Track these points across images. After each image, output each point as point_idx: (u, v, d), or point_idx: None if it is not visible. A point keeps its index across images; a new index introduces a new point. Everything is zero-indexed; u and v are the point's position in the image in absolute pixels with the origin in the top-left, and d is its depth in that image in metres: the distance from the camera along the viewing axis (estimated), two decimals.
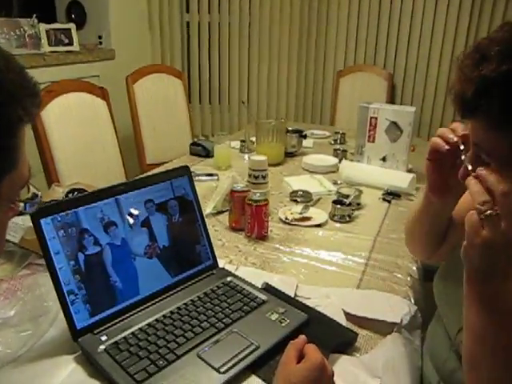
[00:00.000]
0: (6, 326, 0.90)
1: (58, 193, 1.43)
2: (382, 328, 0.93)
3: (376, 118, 1.82)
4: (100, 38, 3.17)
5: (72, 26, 2.88)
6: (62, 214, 0.85)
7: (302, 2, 3.36)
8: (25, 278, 1.02)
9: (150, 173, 1.82)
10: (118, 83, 2.51)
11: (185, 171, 1.07)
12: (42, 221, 0.82)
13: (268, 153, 1.73)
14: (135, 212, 0.95)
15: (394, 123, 1.79)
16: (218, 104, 3.66)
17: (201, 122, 3.67)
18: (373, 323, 0.94)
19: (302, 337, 0.73)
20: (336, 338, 0.89)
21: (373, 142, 1.85)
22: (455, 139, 0.78)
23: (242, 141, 2.20)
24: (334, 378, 0.69)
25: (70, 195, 1.38)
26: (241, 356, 0.81)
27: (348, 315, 0.97)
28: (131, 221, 0.94)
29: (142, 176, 1.00)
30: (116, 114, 2.20)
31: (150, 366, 0.78)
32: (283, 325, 0.90)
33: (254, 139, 2.09)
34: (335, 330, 0.91)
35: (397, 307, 0.98)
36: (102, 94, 2.06)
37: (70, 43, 2.88)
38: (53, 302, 0.95)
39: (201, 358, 0.81)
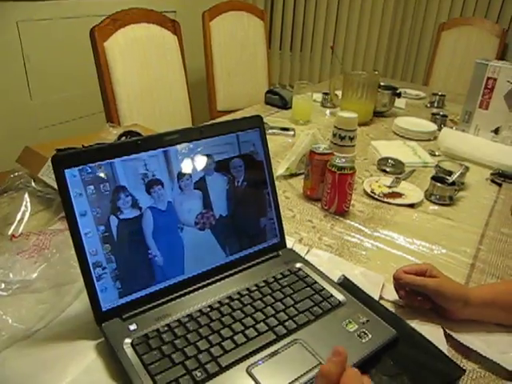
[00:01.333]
0: (25, 291, 0.75)
1: (111, 134, 1.26)
2: (499, 367, 0.68)
3: (495, 80, 1.47)
4: None
5: None
6: (94, 164, 0.66)
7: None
8: (56, 234, 0.86)
9: (215, 121, 1.63)
10: (195, 19, 2.28)
11: (257, 123, 0.84)
12: (67, 172, 0.64)
13: (355, 109, 1.45)
14: (188, 169, 0.75)
15: None
16: (300, 51, 3.35)
17: (280, 69, 3.39)
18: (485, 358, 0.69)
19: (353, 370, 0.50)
20: (433, 370, 0.65)
21: (486, 108, 1.51)
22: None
23: (325, 93, 1.93)
24: None
25: (123, 138, 1.21)
26: (303, 380, 0.60)
27: (449, 337, 0.72)
28: (182, 180, 0.74)
29: (202, 124, 0.78)
30: (188, 53, 1.99)
31: (184, 378, 0.59)
32: (363, 341, 0.67)
33: (339, 93, 1.81)
34: (433, 358, 0.67)
35: None
36: (174, 27, 1.84)
37: None
38: None
39: (251, 375, 0.60)
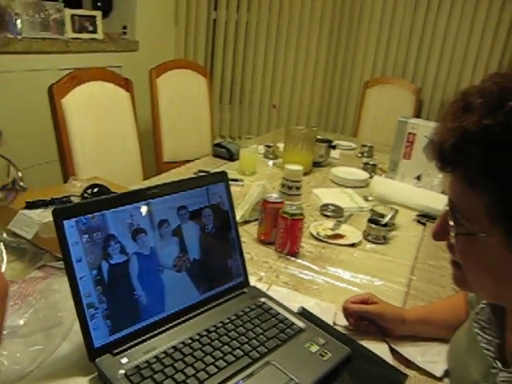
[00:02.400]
0: (14, 336, 0.81)
1: (76, 187, 1.34)
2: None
3: (414, 134, 1.72)
4: (124, 28, 3.08)
5: (98, 13, 2.79)
6: (88, 216, 0.75)
7: (333, 7, 3.28)
8: (38, 281, 0.92)
9: (171, 173, 1.74)
10: (140, 75, 2.42)
11: (222, 177, 0.97)
12: (66, 223, 0.73)
13: (296, 161, 1.63)
14: (167, 219, 0.86)
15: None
16: (239, 104, 3.57)
17: (220, 122, 3.57)
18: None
19: None
20: (383, 378, 0.78)
21: (409, 158, 1.75)
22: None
23: (268, 146, 2.10)
24: None
25: (89, 191, 1.29)
26: None
27: (393, 351, 0.86)
28: (162, 228, 0.85)
29: (177, 180, 0.90)
30: (136, 106, 2.11)
31: None
32: (324, 359, 0.80)
33: (280, 145, 2.00)
34: (381, 368, 0.81)
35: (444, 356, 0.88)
36: (127, 85, 1.96)
37: (94, 31, 2.79)
38: (67, 312, 0.85)
39: None
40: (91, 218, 0.76)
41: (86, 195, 1.27)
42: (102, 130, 1.86)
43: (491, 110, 0.52)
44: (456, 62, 3.13)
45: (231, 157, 1.98)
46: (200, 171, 1.77)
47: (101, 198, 0.79)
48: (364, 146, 2.37)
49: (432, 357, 0.87)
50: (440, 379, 0.82)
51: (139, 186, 1.34)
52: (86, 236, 0.75)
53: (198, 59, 3.41)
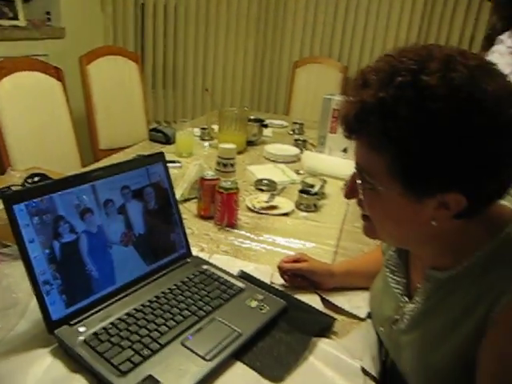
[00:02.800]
0: None
1: (15, 178, 1.36)
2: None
3: (339, 110, 1.85)
4: (48, 14, 3.00)
5: None
6: (37, 199, 0.81)
7: None
8: None
9: (112, 158, 1.78)
10: (69, 64, 2.40)
11: (160, 158, 1.04)
12: (16, 207, 0.78)
13: (230, 141, 1.72)
14: (112, 198, 0.92)
15: None
16: (172, 90, 3.59)
17: (155, 107, 3.58)
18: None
19: None
20: (315, 323, 0.90)
21: (334, 133, 1.89)
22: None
23: (203, 128, 2.18)
24: (317, 361, 0.71)
25: (30, 180, 1.32)
26: (225, 343, 0.81)
27: (324, 301, 0.99)
28: (107, 207, 0.91)
29: (118, 162, 0.96)
30: (70, 95, 2.11)
31: (135, 357, 0.76)
32: (263, 311, 0.91)
33: (215, 127, 2.07)
34: (313, 315, 0.93)
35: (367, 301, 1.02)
36: (57, 74, 1.96)
37: (15, 17, 2.70)
38: (22, 294, 0.91)
39: (185, 346, 0.80)
40: (40, 202, 0.81)
41: (27, 185, 1.30)
42: (35, 121, 1.85)
43: (384, 85, 0.63)
44: (378, 40, 3.31)
45: (168, 140, 2.04)
46: (138, 156, 1.82)
47: (48, 182, 0.84)
48: (295, 123, 2.50)
49: (357, 303, 1.00)
50: (364, 320, 0.96)
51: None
52: (37, 218, 0.80)
53: (127, 45, 3.39)
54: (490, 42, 1.52)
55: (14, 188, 1.29)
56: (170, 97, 3.59)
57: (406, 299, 0.82)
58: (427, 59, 0.62)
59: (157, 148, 2.00)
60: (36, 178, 1.31)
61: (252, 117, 2.18)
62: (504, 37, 1.47)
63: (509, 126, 0.61)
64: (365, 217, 0.77)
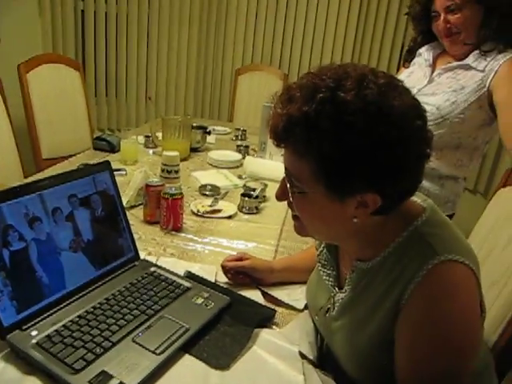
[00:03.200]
0: None
1: None
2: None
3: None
4: None
5: None
6: None
7: None
8: None
9: (56, 168, 1.78)
10: (6, 71, 2.36)
11: (106, 166, 1.09)
12: None
13: (174, 148, 1.78)
14: (59, 207, 0.96)
15: None
16: (115, 98, 3.57)
17: (98, 115, 3.55)
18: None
19: None
20: (257, 315, 0.98)
21: None
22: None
23: (147, 136, 2.21)
24: (260, 349, 0.79)
25: None
26: (173, 338, 0.87)
27: (266, 295, 1.08)
28: (56, 215, 0.95)
29: (64, 171, 1.00)
30: (7, 104, 2.08)
31: (88, 355, 0.81)
32: (209, 307, 0.98)
33: (158, 134, 2.12)
34: (255, 308, 1.01)
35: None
36: None
37: None
38: None
39: (136, 342, 0.85)
40: None
41: None
42: None
43: (307, 101, 0.72)
44: (316, 49, 3.46)
45: (112, 149, 2.06)
46: (83, 165, 1.83)
47: None
48: (237, 129, 2.59)
49: (296, 296, 1.09)
50: (302, 310, 1.05)
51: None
52: None
53: (67, 52, 3.35)
54: (411, 54, 1.67)
55: None
56: (113, 105, 3.58)
57: (337, 289, 0.91)
58: (344, 77, 0.72)
59: (101, 156, 2.02)
60: None
61: (195, 124, 2.24)
62: (423, 50, 1.62)
63: (413, 136, 0.72)
64: (295, 217, 0.86)
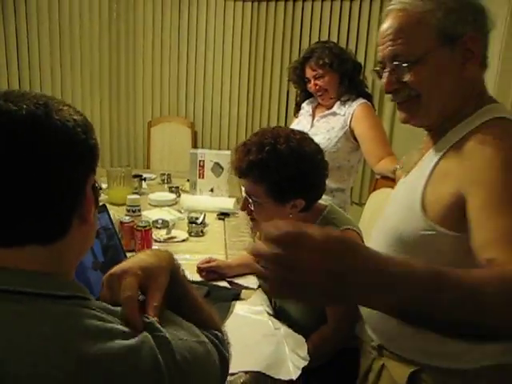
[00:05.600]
0: None
1: None
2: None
3: (203, 160, 2.45)
4: None
5: None
6: None
7: (110, 53, 3.81)
8: None
9: None
10: None
11: (104, 208, 1.50)
12: None
13: (120, 196, 2.20)
14: None
15: (217, 163, 2.45)
16: None
17: None
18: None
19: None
20: (229, 294, 1.45)
21: (203, 178, 2.47)
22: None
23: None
24: (238, 312, 1.26)
25: None
26: None
27: (230, 283, 1.55)
28: None
29: None
30: None
31: None
32: None
33: (103, 185, 2.50)
34: (227, 290, 1.49)
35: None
36: None
37: None
38: None
39: None
40: None
41: None
42: None
43: (259, 151, 1.25)
44: (216, 96, 3.98)
45: None
46: None
47: None
48: (163, 174, 3.02)
49: (251, 280, 1.57)
50: (256, 289, 1.53)
51: None
52: None
53: None
54: (298, 107, 2.31)
55: None
56: None
57: None
58: (277, 136, 1.27)
59: None
60: None
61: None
62: (304, 104, 2.27)
63: (308, 160, 1.27)
64: (252, 219, 1.36)
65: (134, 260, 0.74)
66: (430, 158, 0.96)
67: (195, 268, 1.59)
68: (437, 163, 0.93)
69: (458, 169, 0.87)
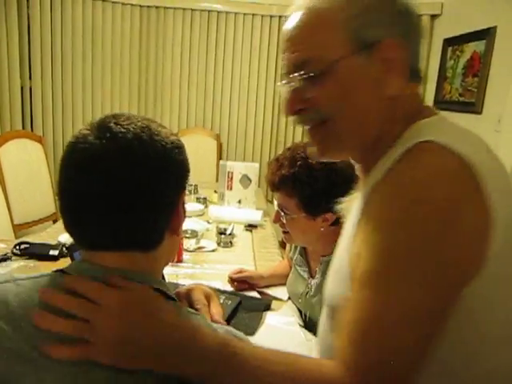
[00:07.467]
0: None
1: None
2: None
3: (232, 172, 2.48)
4: None
5: None
6: None
7: (139, 67, 3.93)
8: None
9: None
10: None
11: None
12: None
13: None
14: None
15: (245, 175, 2.48)
16: None
17: None
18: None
19: None
20: (261, 304, 1.46)
21: (231, 189, 2.50)
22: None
23: None
24: (270, 322, 1.27)
25: (17, 247, 1.68)
26: None
27: (262, 294, 1.57)
28: None
29: None
30: None
31: None
32: (229, 304, 1.43)
33: None
34: (258, 301, 1.50)
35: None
36: None
37: None
38: None
39: None
40: None
41: (16, 251, 1.66)
42: None
43: (292, 166, 1.27)
44: (242, 109, 4.05)
45: None
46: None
47: None
48: (190, 185, 3.06)
49: (281, 292, 1.59)
50: (286, 301, 1.54)
51: None
52: None
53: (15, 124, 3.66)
54: None
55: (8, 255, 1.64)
56: None
57: (311, 278, 1.43)
58: (303, 151, 1.28)
59: None
60: (23, 246, 1.68)
61: None
62: None
63: (339, 174, 1.28)
64: (284, 232, 1.38)
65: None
66: (358, 204, 0.75)
67: (226, 278, 1.61)
68: (362, 212, 0.71)
69: (365, 224, 0.69)
